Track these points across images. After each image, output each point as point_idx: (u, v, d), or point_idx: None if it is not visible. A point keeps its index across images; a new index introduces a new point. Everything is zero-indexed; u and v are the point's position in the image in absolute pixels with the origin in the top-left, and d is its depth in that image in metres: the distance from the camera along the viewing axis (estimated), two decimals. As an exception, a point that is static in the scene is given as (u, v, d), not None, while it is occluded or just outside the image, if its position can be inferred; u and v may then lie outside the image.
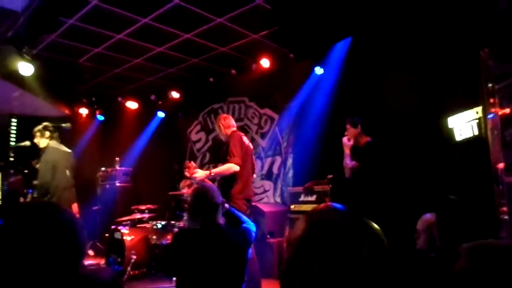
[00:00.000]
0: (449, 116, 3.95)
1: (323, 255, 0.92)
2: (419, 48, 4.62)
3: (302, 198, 5.44)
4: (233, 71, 6.96)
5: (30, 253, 1.06)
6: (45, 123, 4.98)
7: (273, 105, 6.87)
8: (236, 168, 4.05)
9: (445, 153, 4.04)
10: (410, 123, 4.62)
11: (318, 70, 6.02)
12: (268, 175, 6.78)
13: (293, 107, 6.45)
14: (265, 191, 6.79)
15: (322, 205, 1.05)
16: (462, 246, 1.16)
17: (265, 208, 5.78)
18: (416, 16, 4.47)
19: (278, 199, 6.56)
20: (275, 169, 6.73)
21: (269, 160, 6.84)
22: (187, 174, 4.09)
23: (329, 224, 0.96)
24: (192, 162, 4.12)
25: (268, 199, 6.69)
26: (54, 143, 4.91)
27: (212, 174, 4.07)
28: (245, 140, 4.29)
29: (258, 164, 6.99)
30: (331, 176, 5.14)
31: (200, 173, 4.04)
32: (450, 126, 3.93)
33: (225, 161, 4.14)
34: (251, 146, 4.39)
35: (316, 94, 6.03)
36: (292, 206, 5.58)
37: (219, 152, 7.56)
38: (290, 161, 6.52)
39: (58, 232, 1.11)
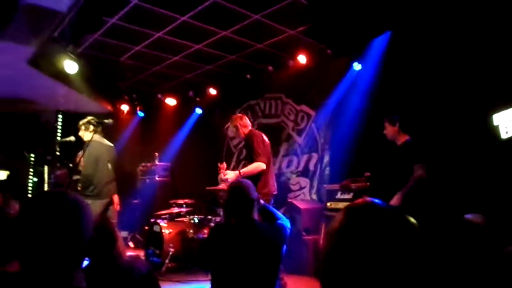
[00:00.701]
0: (494, 113, 3.79)
1: (361, 248, 0.92)
2: (462, 42, 4.45)
3: (338, 195, 5.41)
4: (270, 68, 6.94)
5: (34, 239, 1.12)
6: (89, 118, 5.15)
7: (310, 101, 6.80)
8: (263, 166, 4.15)
9: (490, 152, 3.88)
10: (453, 120, 4.49)
11: (356, 66, 5.94)
12: (305, 172, 6.75)
13: (330, 104, 6.39)
14: (301, 188, 6.75)
15: (361, 199, 1.05)
16: (507, 248, 1.14)
17: (301, 205, 5.76)
18: (457, 9, 4.31)
19: (314, 196, 6.53)
20: (311, 166, 6.69)
21: (305, 157, 6.79)
22: (220, 176, 4.19)
23: (367, 217, 0.97)
24: (224, 164, 4.21)
25: (304, 196, 6.66)
26: (97, 137, 5.06)
27: (242, 174, 4.14)
28: (265, 138, 4.39)
29: (294, 161, 6.96)
30: (368, 174, 5.08)
31: (230, 175, 4.13)
32: (495, 123, 3.78)
33: (251, 160, 4.20)
34: (270, 144, 4.50)
35: (354, 90, 5.95)
36: (328, 204, 5.51)
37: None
38: (327, 158, 6.47)
39: (62, 218, 1.15)
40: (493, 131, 3.78)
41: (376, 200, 1.02)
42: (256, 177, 4.17)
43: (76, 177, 4.99)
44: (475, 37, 4.30)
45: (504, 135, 3.65)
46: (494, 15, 3.96)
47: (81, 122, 5.13)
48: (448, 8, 4.44)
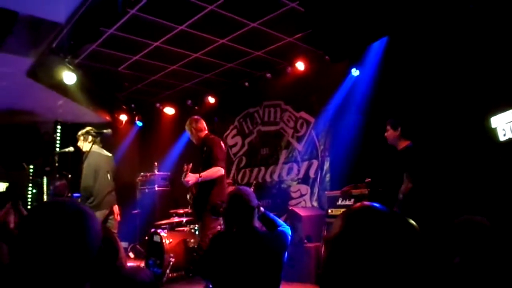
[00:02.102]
0: (492, 115, 3.80)
1: (361, 253, 0.91)
2: (459, 45, 4.47)
3: (339, 202, 5.39)
4: (268, 75, 6.96)
5: (37, 250, 1.04)
6: (88, 128, 5.15)
7: (309, 108, 6.83)
8: (222, 172, 4.12)
9: (488, 154, 3.89)
10: (451, 124, 4.49)
11: (354, 72, 5.95)
12: (305, 179, 6.76)
13: (329, 110, 6.40)
14: (302, 195, 6.76)
15: (358, 204, 1.04)
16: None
17: (302, 213, 5.75)
18: (453, 14, 4.34)
19: (315, 203, 6.52)
20: (311, 173, 6.69)
21: (305, 164, 6.80)
22: (183, 177, 4.15)
23: (366, 221, 0.95)
24: (189, 165, 4.16)
25: (305, 203, 6.67)
26: (96, 148, 5.07)
27: (201, 178, 4.10)
28: (222, 144, 4.37)
29: (294, 168, 6.97)
30: (369, 179, 5.08)
31: (191, 177, 4.08)
32: (493, 126, 3.78)
33: (208, 165, 4.15)
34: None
35: (353, 96, 5.96)
36: (329, 211, 5.50)
37: (255, 156, 7.60)
38: (327, 165, 6.47)
39: (65, 229, 1.06)
40: (491, 134, 3.79)
41: (375, 204, 1.01)
42: (211, 184, 4.15)
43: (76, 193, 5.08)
44: (472, 41, 4.31)
45: (502, 138, 3.66)
46: (491, 18, 3.98)
47: (79, 133, 5.13)
48: (445, 13, 4.46)
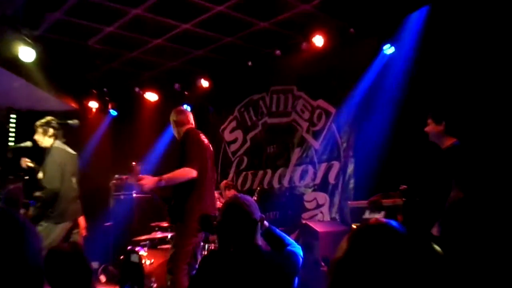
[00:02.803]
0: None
1: (368, 285, 0.91)
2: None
3: (366, 215, 5.41)
4: (278, 52, 6.93)
5: None
6: (48, 118, 5.13)
7: (329, 95, 6.83)
8: (193, 174, 4.06)
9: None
10: (506, 115, 4.49)
11: (387, 49, 6.00)
12: (323, 186, 6.76)
13: (355, 97, 6.42)
14: (319, 205, 6.77)
15: (373, 220, 1.05)
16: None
17: (319, 228, 5.76)
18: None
19: (336, 216, 6.55)
20: (331, 178, 6.71)
21: (323, 166, 6.81)
22: (130, 180, 4.11)
23: (375, 245, 0.96)
24: (137, 166, 4.14)
25: (322, 216, 6.68)
26: (58, 143, 5.08)
27: (163, 181, 4.08)
28: (204, 139, 4.34)
29: (309, 171, 6.98)
30: (404, 186, 4.94)
31: (147, 181, 4.05)
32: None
33: (181, 166, 4.13)
34: (211, 148, 4.45)
35: (385, 79, 5.99)
36: (353, 226, 5.52)
37: (260, 155, 7.60)
38: (351, 168, 6.49)
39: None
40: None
41: (391, 222, 1.00)
42: (186, 189, 4.13)
43: (37, 193, 4.97)
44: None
45: None
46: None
47: (38, 123, 5.10)
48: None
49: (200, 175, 4.10)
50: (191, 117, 4.55)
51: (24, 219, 1.19)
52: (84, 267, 2.03)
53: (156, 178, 4.10)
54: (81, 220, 5.19)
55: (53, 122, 5.09)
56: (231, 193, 6.21)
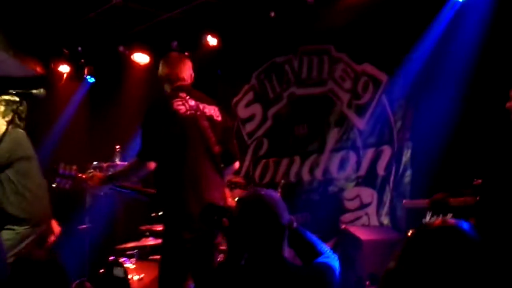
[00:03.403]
0: None
1: None
2: None
3: (427, 218, 5.18)
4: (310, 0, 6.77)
5: None
6: (8, 95, 5.07)
7: (379, 57, 6.78)
8: (143, 167, 4.03)
9: None
10: None
11: None
12: (369, 179, 6.80)
13: (413, 62, 6.38)
14: (363, 205, 6.79)
15: (437, 221, 1.16)
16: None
17: (363, 235, 5.84)
18: None
19: (386, 220, 6.58)
20: (380, 169, 6.71)
21: (370, 152, 6.83)
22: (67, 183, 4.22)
23: (440, 255, 1.04)
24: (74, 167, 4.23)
25: (368, 219, 6.72)
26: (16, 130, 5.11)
27: (113, 182, 4.18)
28: (180, 105, 4.12)
29: (351, 158, 6.99)
30: (479, 181, 4.78)
31: (94, 181, 4.13)
32: None
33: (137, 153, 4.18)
34: (207, 111, 4.23)
35: (454, 37, 5.97)
36: (410, 232, 5.30)
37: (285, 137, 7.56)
38: (407, 155, 6.49)
39: None
40: None
41: (462, 224, 1.11)
42: (163, 181, 4.08)
43: None
44: None
45: None
46: None
47: None
48: None
49: (170, 162, 4.01)
50: (185, 69, 4.42)
51: None
52: (60, 280, 2.14)
53: (103, 176, 4.20)
54: (54, 224, 5.28)
55: (10, 100, 5.06)
56: (236, 194, 6.01)
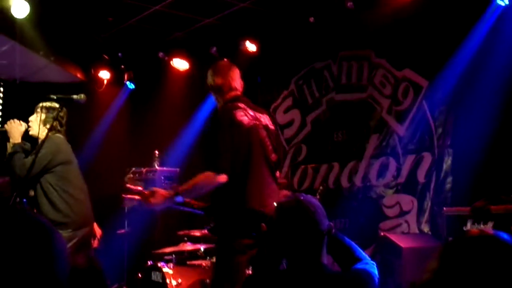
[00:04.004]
0: None
1: None
2: None
3: (469, 226, 5.35)
4: (350, 4, 6.77)
5: None
6: (51, 102, 5.13)
7: (420, 63, 6.78)
8: (217, 179, 3.94)
9: None
10: None
11: (501, 0, 5.95)
12: (409, 186, 6.78)
13: (455, 67, 6.32)
14: (403, 212, 6.77)
15: (474, 230, 1.22)
16: None
17: (403, 242, 5.81)
18: None
19: (426, 228, 6.56)
20: (421, 176, 6.69)
21: (410, 159, 6.81)
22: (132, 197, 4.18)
23: (478, 266, 1.02)
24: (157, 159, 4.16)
25: (408, 226, 6.70)
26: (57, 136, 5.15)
27: (181, 195, 4.03)
28: (243, 115, 4.13)
29: (391, 165, 6.98)
30: None
31: (157, 199, 4.01)
32: None
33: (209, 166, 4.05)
34: (263, 121, 4.26)
35: (497, 41, 5.93)
36: (443, 244, 5.35)
37: (324, 144, 7.54)
38: (448, 162, 6.48)
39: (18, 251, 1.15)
40: None
41: (502, 235, 1.08)
42: (223, 193, 4.04)
43: (32, 192, 5.11)
44: None
45: None
46: None
47: (41, 105, 5.18)
48: None
49: (237, 173, 3.99)
50: (236, 77, 4.38)
51: (48, 222, 1.25)
52: (99, 286, 2.20)
53: (169, 193, 4.06)
54: (97, 228, 5.40)
55: (55, 105, 5.16)
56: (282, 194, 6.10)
